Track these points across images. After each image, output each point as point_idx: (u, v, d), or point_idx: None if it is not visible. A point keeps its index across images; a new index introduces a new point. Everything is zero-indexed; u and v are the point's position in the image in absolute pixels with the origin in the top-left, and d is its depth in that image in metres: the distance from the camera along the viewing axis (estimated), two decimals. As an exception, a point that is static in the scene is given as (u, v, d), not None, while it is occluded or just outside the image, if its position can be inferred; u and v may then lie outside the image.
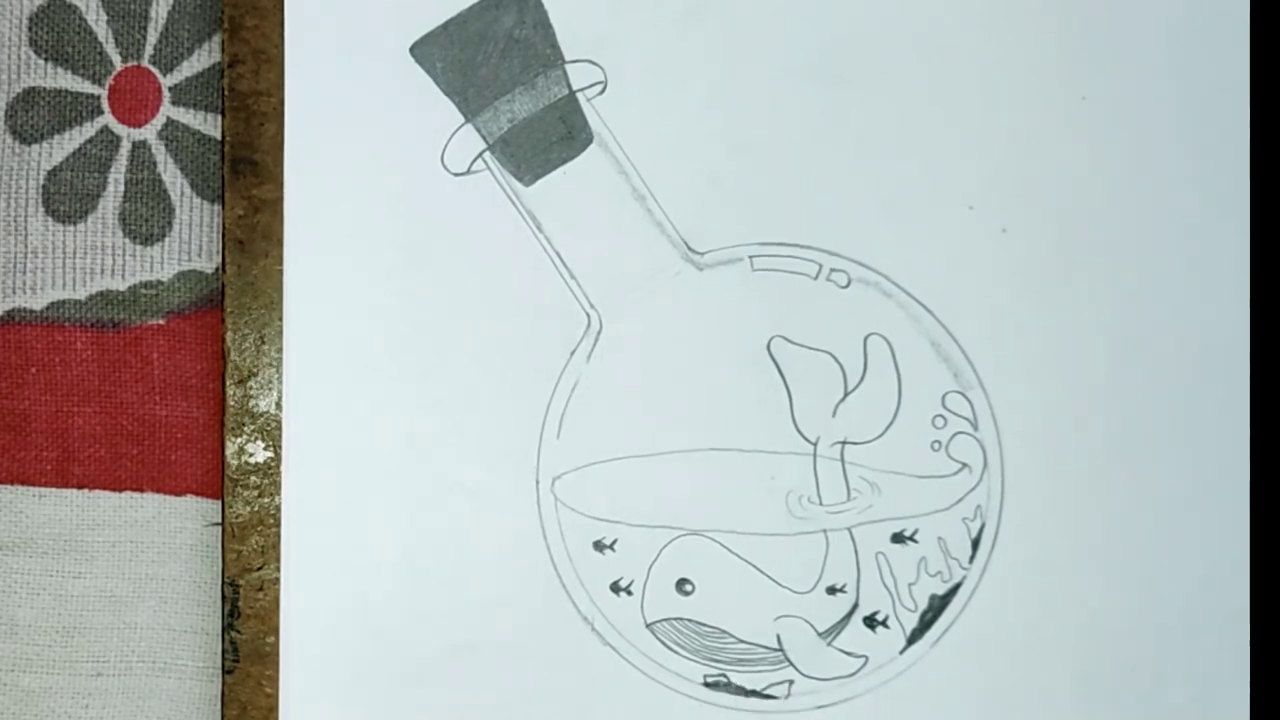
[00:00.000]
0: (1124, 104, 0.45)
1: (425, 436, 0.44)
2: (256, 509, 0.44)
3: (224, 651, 0.43)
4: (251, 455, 0.44)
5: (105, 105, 0.46)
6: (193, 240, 0.46)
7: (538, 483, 0.44)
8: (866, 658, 0.44)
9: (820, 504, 0.44)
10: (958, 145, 0.44)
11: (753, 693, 0.44)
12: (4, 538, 0.46)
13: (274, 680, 0.43)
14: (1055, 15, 0.45)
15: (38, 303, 0.46)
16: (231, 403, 0.44)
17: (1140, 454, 0.44)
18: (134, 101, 0.46)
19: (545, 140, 0.44)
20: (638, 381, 0.44)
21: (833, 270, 0.44)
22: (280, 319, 0.44)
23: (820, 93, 0.44)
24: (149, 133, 0.46)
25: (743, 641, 0.44)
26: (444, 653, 0.44)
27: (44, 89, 0.46)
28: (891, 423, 0.44)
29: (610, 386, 0.44)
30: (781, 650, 0.44)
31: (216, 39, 0.46)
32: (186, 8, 0.46)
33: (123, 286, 0.46)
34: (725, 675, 0.44)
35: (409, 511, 0.44)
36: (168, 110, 0.46)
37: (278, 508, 0.44)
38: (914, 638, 0.44)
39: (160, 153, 0.46)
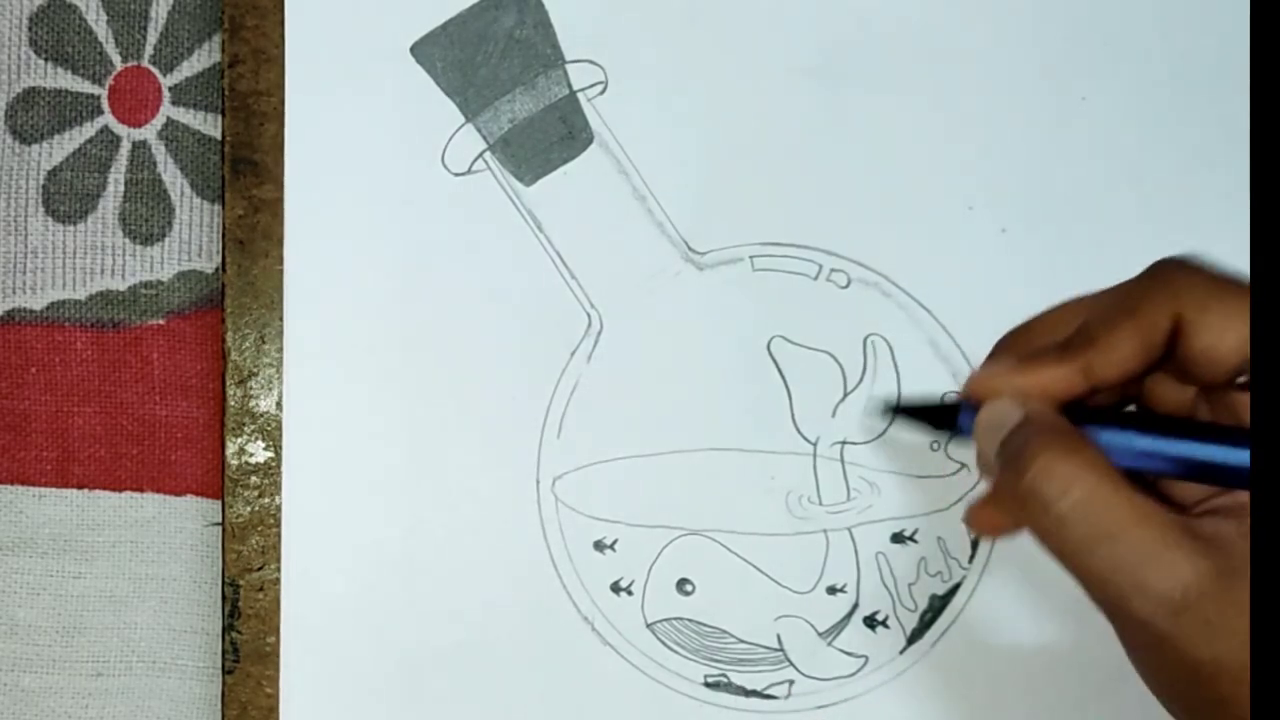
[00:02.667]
0: (1124, 104, 0.45)
1: (425, 436, 0.44)
2: (256, 509, 0.44)
3: (224, 651, 0.43)
4: (251, 455, 0.44)
5: (105, 105, 0.46)
6: (193, 240, 0.46)
7: (538, 483, 0.44)
8: (866, 658, 0.44)
9: (820, 504, 0.44)
10: (958, 145, 0.44)
11: (753, 693, 0.44)
12: (4, 538, 0.46)
13: (274, 680, 0.43)
14: (1055, 15, 0.45)
15: (38, 303, 0.46)
16: (231, 403, 0.44)
17: (1140, 454, 0.44)
18: (134, 101, 0.46)
19: (546, 140, 0.44)
20: (638, 382, 0.44)
21: (833, 270, 0.44)
22: (280, 319, 0.44)
23: (820, 93, 0.44)
24: (149, 133, 0.46)
25: (743, 641, 0.44)
26: (444, 653, 0.44)
27: (44, 89, 0.46)
28: (891, 423, 0.44)
29: (610, 387, 0.44)
30: (782, 650, 0.44)
31: (216, 39, 0.46)
32: (186, 8, 0.46)
33: (123, 286, 0.46)
34: (725, 675, 0.44)
35: (409, 511, 0.44)
36: (168, 110, 0.46)
37: (278, 508, 0.44)
38: (914, 637, 0.44)
39: (160, 153, 0.46)
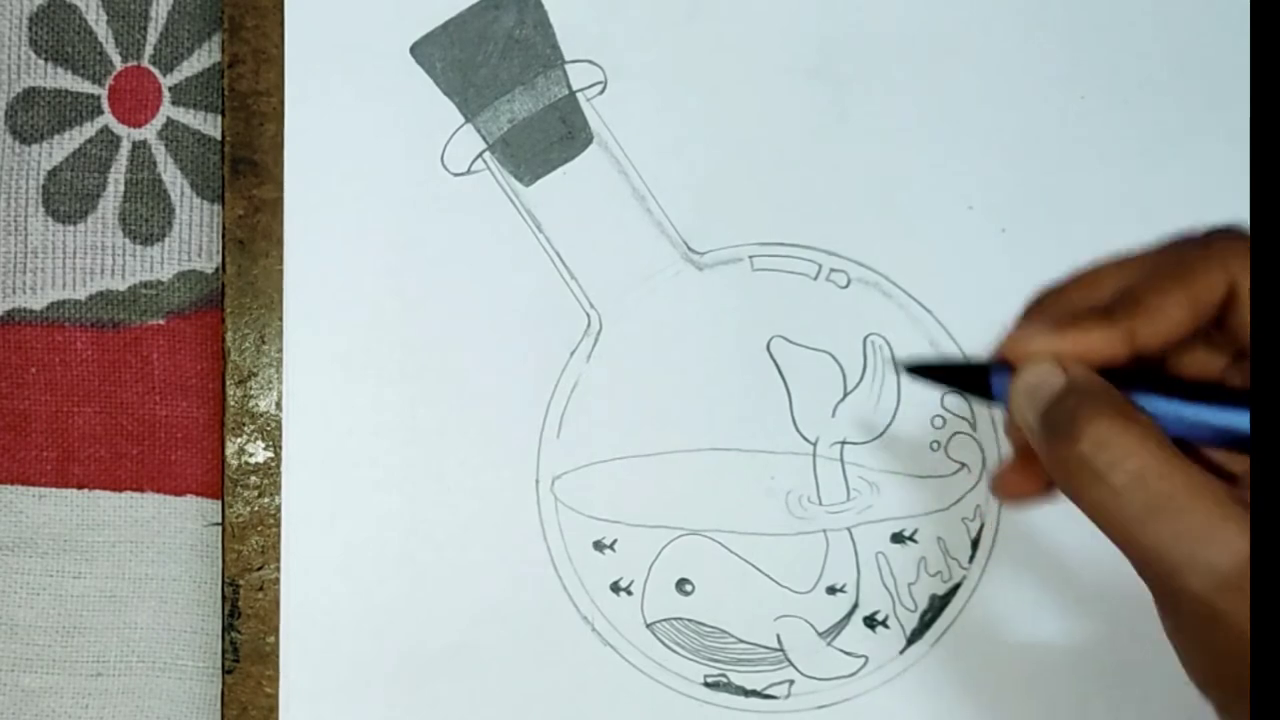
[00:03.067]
0: (1124, 104, 0.45)
1: (425, 437, 0.44)
2: (256, 509, 0.44)
3: (224, 651, 0.43)
4: (251, 455, 0.44)
5: (105, 105, 0.46)
6: (193, 240, 0.46)
7: (538, 483, 0.44)
8: (866, 658, 0.44)
9: (820, 504, 0.44)
10: (958, 145, 0.44)
11: (753, 693, 0.44)
12: (4, 538, 0.46)
13: (274, 680, 0.43)
14: (1055, 15, 0.45)
15: (38, 303, 0.46)
16: (231, 403, 0.44)
17: (1140, 454, 0.44)
18: (134, 101, 0.46)
19: (545, 140, 0.44)
20: (638, 381, 0.44)
21: (833, 270, 0.44)
22: (280, 319, 0.44)
23: (820, 93, 0.44)
24: (149, 133, 0.46)
25: (743, 641, 0.44)
26: (444, 653, 0.44)
27: (44, 89, 0.46)
28: (890, 423, 0.44)
29: (610, 386, 0.44)
30: (782, 650, 0.44)
31: (216, 39, 0.46)
32: (186, 8, 0.46)
33: (123, 286, 0.46)
34: (725, 675, 0.44)
35: (409, 511, 0.44)
36: (168, 110, 0.46)
37: (278, 508, 0.44)
38: (914, 638, 0.44)
39: (160, 153, 0.46)
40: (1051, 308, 0.33)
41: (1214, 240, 0.31)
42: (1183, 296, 0.30)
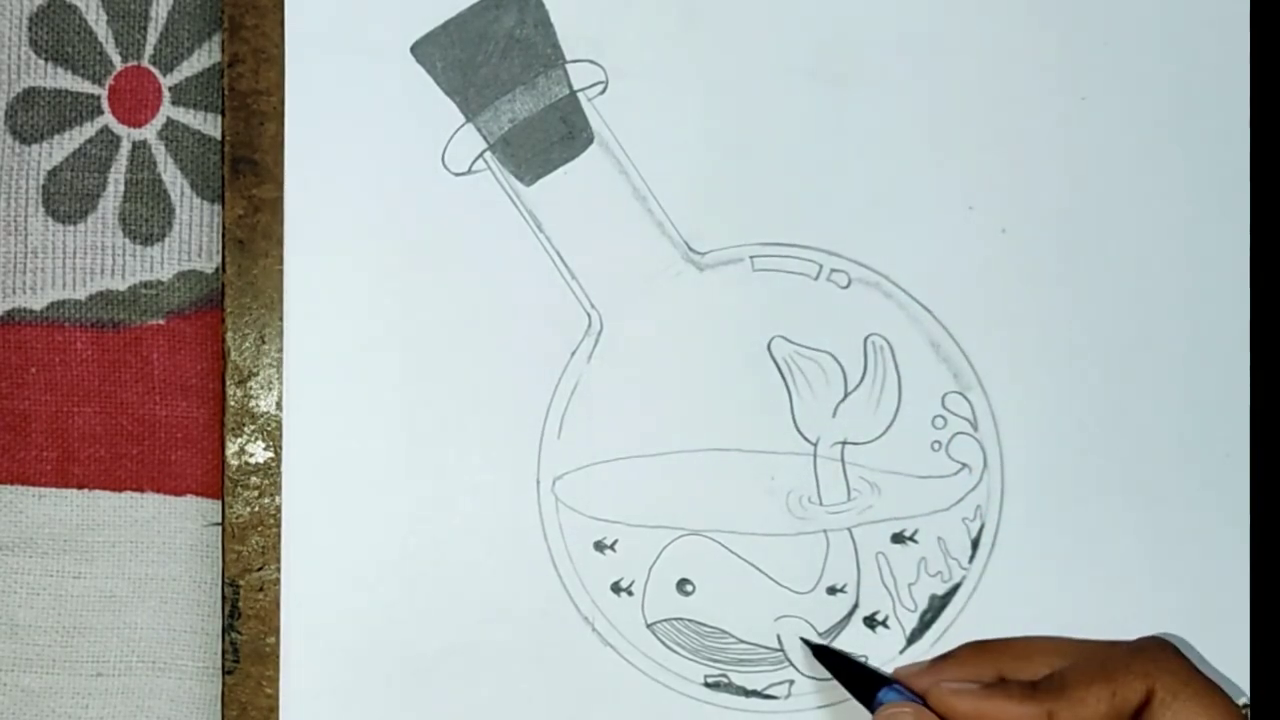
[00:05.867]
0: (1124, 104, 0.45)
1: (425, 436, 0.44)
2: (256, 509, 0.44)
3: (224, 652, 0.43)
4: (251, 455, 0.44)
5: (105, 105, 0.46)
6: (193, 240, 0.46)
7: (538, 482, 0.44)
8: (866, 658, 0.44)
9: (820, 504, 0.44)
10: (958, 145, 0.44)
11: (753, 693, 0.44)
12: (4, 538, 0.46)
13: (274, 680, 0.43)
14: (1055, 15, 0.45)
15: (38, 303, 0.46)
16: (231, 403, 0.44)
17: (1140, 454, 0.44)
18: (134, 101, 0.46)
19: (546, 140, 0.44)
20: (638, 382, 0.44)
21: (833, 270, 0.44)
22: (280, 319, 0.44)
23: (820, 93, 0.44)
24: (149, 133, 0.46)
25: (743, 641, 0.44)
26: (444, 653, 0.44)
27: (44, 89, 0.46)
28: (891, 423, 0.44)
29: (611, 387, 0.44)
30: (782, 650, 0.44)
31: (216, 39, 0.46)
32: (186, 8, 0.46)
33: (123, 286, 0.46)
34: (726, 675, 0.44)
35: (409, 511, 0.44)
36: (168, 110, 0.46)
37: (278, 508, 0.44)
38: (914, 638, 0.44)
39: (160, 153, 0.46)
40: (981, 661, 0.37)
41: (1144, 647, 0.34)
42: (1105, 691, 0.33)
